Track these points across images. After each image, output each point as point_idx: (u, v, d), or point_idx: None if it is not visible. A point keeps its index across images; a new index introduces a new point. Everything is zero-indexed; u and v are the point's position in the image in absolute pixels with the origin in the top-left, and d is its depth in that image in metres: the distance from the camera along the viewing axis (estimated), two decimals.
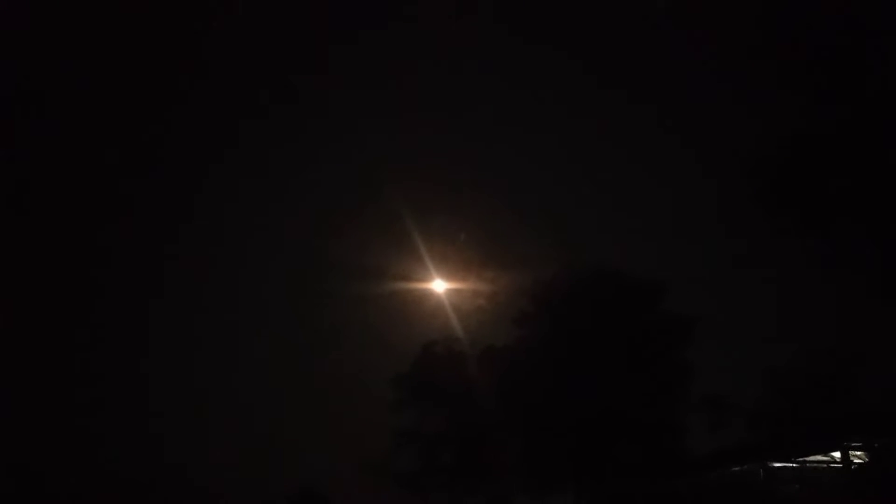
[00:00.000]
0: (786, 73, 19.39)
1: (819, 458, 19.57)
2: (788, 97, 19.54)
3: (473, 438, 32.70)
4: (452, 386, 31.63)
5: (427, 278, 29.27)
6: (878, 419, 19.01)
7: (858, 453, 18.18)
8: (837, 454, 18.37)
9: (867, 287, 18.78)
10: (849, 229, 18.14)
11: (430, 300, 30.51)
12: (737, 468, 21.78)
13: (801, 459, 19.85)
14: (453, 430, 33.47)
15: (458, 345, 32.49)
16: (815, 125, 18.24)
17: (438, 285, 29.60)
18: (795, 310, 29.76)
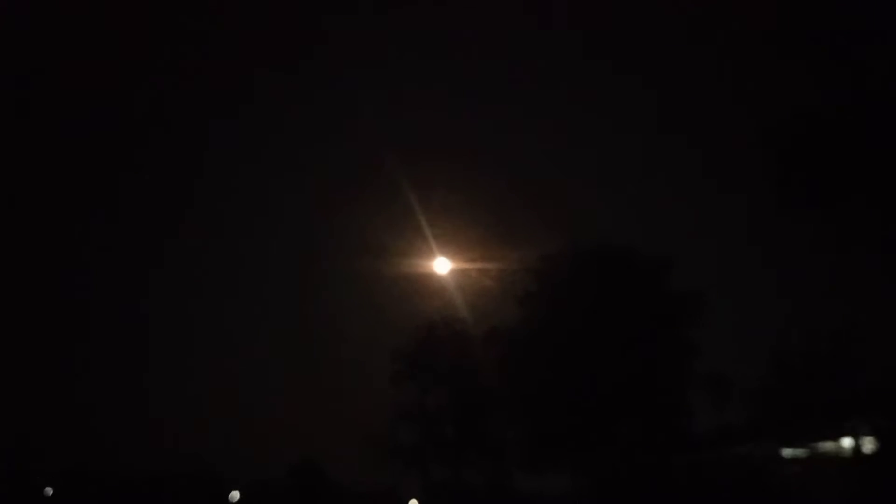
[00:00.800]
0: (799, 47, 19.03)
1: (820, 442, 19.45)
2: (801, 72, 19.20)
3: (474, 413, 32.77)
4: (454, 364, 31.64)
5: (430, 257, 28.92)
6: (880, 402, 18.85)
7: (858, 436, 18.04)
8: (840, 437, 18.24)
9: (876, 265, 18.61)
10: (858, 206, 17.93)
11: (432, 280, 30.21)
12: (737, 449, 21.69)
13: (800, 442, 19.73)
14: (454, 405, 33.55)
15: (460, 325, 32.35)
16: (828, 100, 17.95)
17: (441, 264, 29.24)
18: (802, 289, 29.49)
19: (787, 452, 20.37)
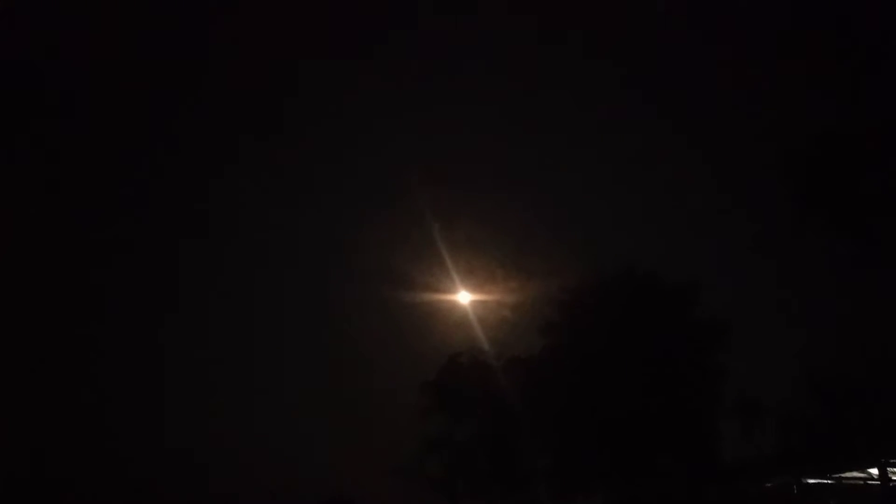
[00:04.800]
0: (818, 71, 18.99)
1: (856, 474, 19.03)
2: (821, 96, 19.13)
3: (502, 444, 32.59)
4: (479, 394, 31.58)
5: (452, 290, 29.16)
6: None
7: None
8: (875, 470, 17.82)
9: None
10: (886, 227, 17.74)
11: (454, 311, 30.40)
12: (770, 483, 21.30)
13: (836, 476, 19.33)
14: (483, 436, 33.40)
15: (483, 356, 32.37)
16: (847, 123, 17.86)
17: (463, 297, 29.49)
18: (832, 312, 29.00)
19: (821, 486, 19.94)
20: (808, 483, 19.47)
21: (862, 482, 18.96)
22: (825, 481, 19.63)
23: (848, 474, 19.10)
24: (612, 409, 26.74)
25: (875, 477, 17.98)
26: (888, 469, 17.22)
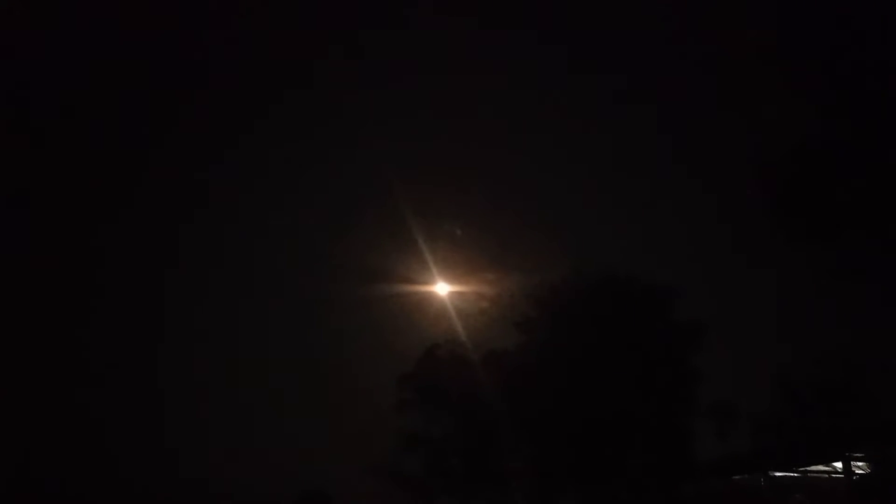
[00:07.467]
0: (795, 78, 19.32)
1: (821, 467, 19.45)
2: (798, 103, 19.46)
3: (479, 442, 32.59)
4: (456, 389, 31.55)
5: (430, 281, 29.25)
6: (880, 430, 18.83)
7: (860, 464, 18.04)
8: (839, 464, 18.24)
9: (875, 295, 18.68)
10: (857, 237, 18.07)
11: (432, 303, 30.47)
12: (740, 477, 21.67)
13: (803, 469, 19.73)
14: (459, 434, 33.37)
15: (461, 349, 32.30)
16: (824, 132, 18.17)
17: (441, 288, 29.57)
18: (804, 317, 29.53)
19: (789, 480, 20.34)
20: (775, 476, 19.83)
21: (827, 475, 19.36)
22: (792, 474, 20.02)
23: (813, 468, 19.49)
24: (587, 409, 26.91)
25: (839, 470, 18.39)
26: (851, 463, 17.62)
